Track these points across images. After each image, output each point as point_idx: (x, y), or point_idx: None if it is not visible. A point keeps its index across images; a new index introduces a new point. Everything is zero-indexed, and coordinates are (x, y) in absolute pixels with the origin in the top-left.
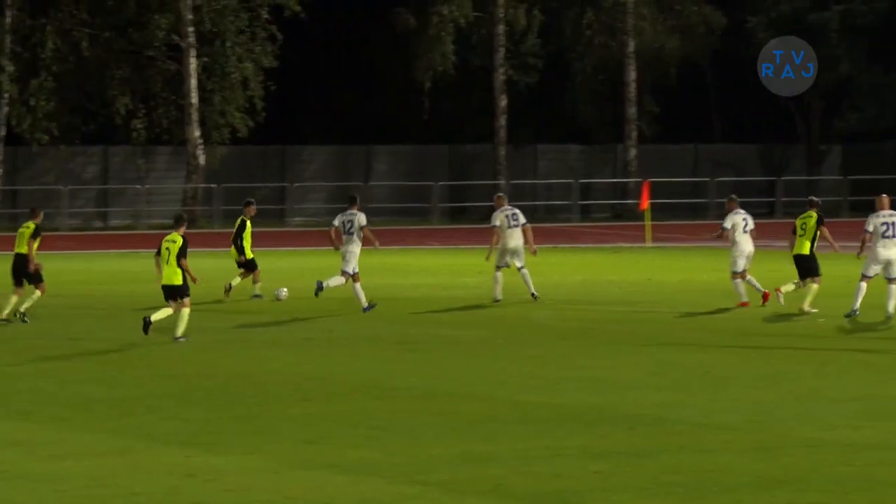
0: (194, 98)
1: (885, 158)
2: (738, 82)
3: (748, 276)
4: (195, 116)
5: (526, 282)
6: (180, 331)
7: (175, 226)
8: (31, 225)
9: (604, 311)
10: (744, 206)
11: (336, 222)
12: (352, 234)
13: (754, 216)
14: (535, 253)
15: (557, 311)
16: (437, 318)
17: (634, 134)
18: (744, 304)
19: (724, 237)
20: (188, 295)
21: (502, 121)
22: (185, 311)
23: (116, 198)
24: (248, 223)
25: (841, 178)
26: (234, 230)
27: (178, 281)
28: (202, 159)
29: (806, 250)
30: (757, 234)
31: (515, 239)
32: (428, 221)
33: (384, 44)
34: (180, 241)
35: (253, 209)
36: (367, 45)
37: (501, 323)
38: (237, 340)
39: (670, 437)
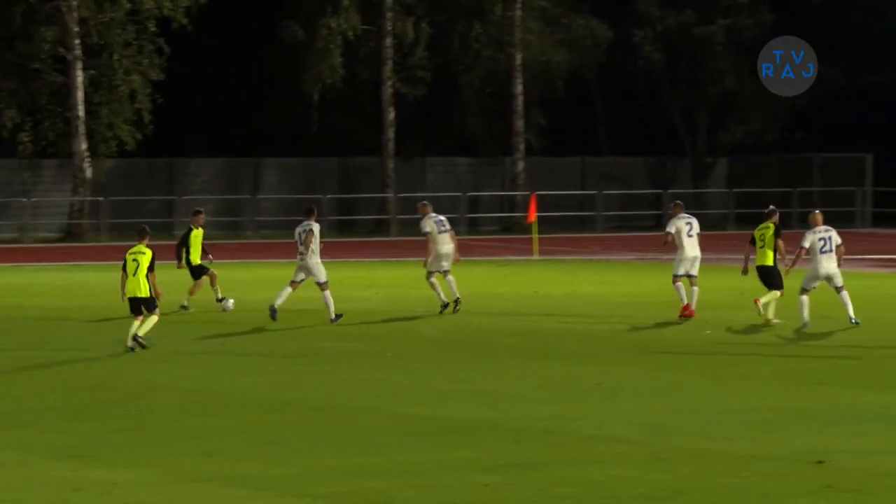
0: (81, 111)
1: (769, 171)
2: (624, 95)
3: (694, 287)
4: (82, 129)
5: (451, 288)
6: (143, 331)
7: (139, 238)
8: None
9: (491, 323)
10: (630, 219)
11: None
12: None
13: (641, 229)
14: (458, 260)
15: (446, 324)
16: (327, 331)
17: (522, 147)
18: (687, 312)
19: (670, 242)
20: (156, 307)
21: (390, 133)
22: (154, 317)
23: (2, 211)
24: (196, 231)
25: (727, 190)
26: (180, 238)
27: (145, 293)
28: (89, 172)
29: (769, 261)
30: (645, 247)
31: (447, 244)
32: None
33: (272, 56)
34: (149, 253)
35: (202, 218)
36: (255, 58)
37: (391, 336)
38: (132, 354)
39: (560, 449)
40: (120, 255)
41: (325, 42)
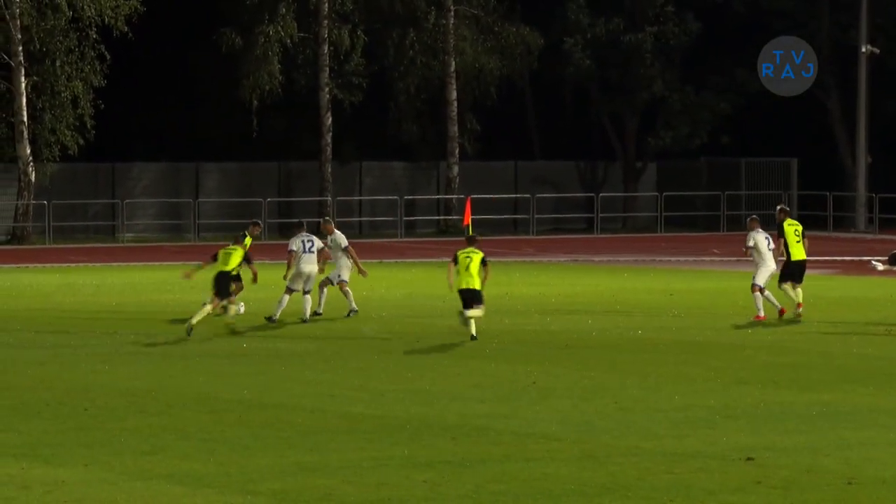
0: (25, 116)
1: (698, 175)
2: (556, 101)
3: (766, 292)
4: (26, 134)
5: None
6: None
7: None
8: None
9: (428, 324)
10: (563, 222)
11: (293, 247)
12: (312, 252)
13: (573, 231)
14: (364, 274)
15: (383, 325)
16: (267, 331)
17: (457, 151)
18: (759, 318)
19: (747, 254)
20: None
21: (328, 138)
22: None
23: None
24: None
25: (656, 194)
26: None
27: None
28: (33, 176)
29: (804, 255)
30: (577, 250)
31: (311, 264)
32: (256, 237)
33: (211, 63)
34: (480, 255)
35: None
36: (194, 65)
37: (329, 336)
38: (72, 354)
39: (495, 446)
40: (63, 257)
41: (263, 49)
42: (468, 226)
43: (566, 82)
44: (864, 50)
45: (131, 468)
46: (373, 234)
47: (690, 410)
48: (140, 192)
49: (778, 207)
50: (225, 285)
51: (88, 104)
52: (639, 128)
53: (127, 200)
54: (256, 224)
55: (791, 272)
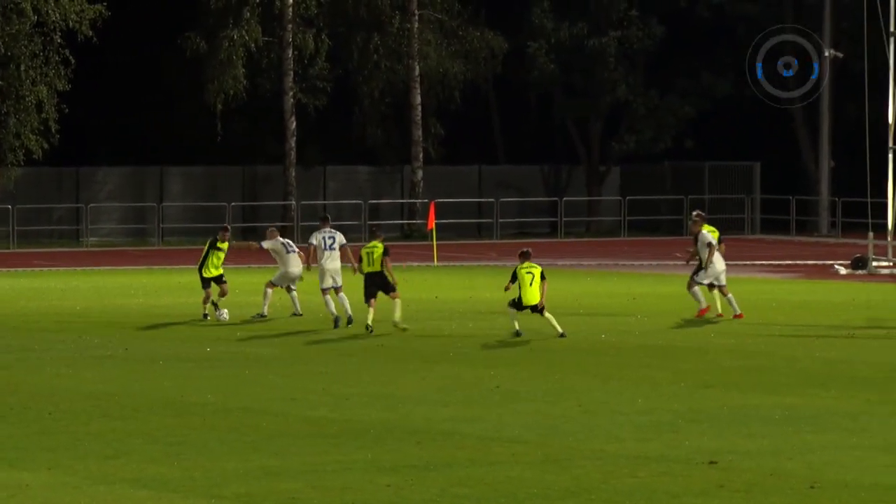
0: None
1: (661, 179)
2: (520, 105)
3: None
4: None
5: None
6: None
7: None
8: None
9: (392, 328)
10: (527, 226)
11: (314, 241)
12: (333, 249)
13: (537, 236)
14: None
15: (349, 329)
16: (232, 335)
17: (421, 155)
18: (703, 312)
19: (711, 252)
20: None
21: (292, 143)
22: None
23: None
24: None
25: (620, 198)
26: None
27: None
28: None
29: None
30: (541, 254)
31: (334, 261)
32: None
33: (176, 67)
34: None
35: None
36: (159, 69)
37: (293, 341)
38: (37, 358)
39: (459, 450)
40: (28, 262)
41: (228, 53)
42: (432, 230)
43: (530, 87)
44: (827, 54)
45: (95, 472)
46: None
47: (654, 414)
48: (104, 196)
49: (694, 213)
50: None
51: (53, 108)
52: (603, 132)
53: (91, 205)
54: (225, 229)
55: (708, 276)
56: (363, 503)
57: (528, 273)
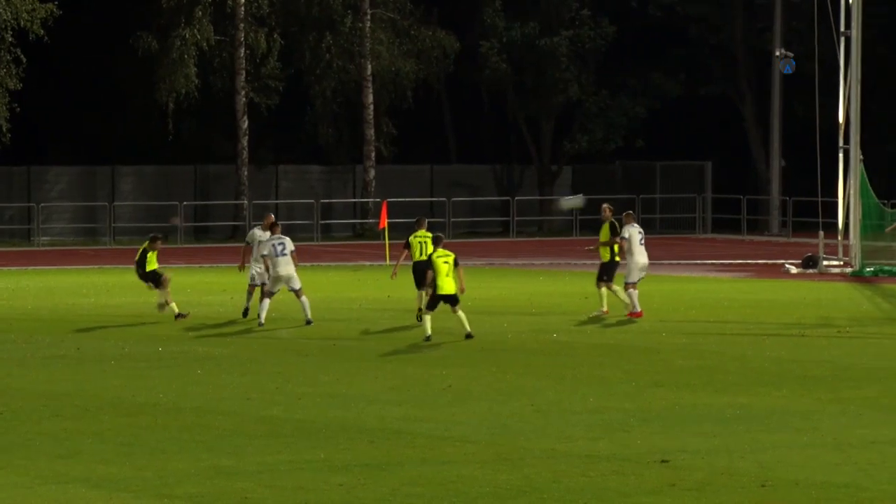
0: None
1: (613, 178)
2: (472, 105)
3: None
4: None
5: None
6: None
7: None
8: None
9: (345, 328)
10: (478, 225)
11: (265, 251)
12: (285, 255)
13: (489, 235)
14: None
15: (299, 329)
16: (184, 334)
17: (373, 155)
18: (636, 315)
19: (622, 247)
20: (458, 301)
21: (244, 142)
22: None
23: None
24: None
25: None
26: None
27: (453, 290)
28: None
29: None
30: (493, 253)
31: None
32: (173, 241)
33: (128, 66)
34: (453, 255)
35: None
36: (111, 68)
37: (246, 340)
38: None
39: (411, 449)
40: None
41: (180, 52)
42: (384, 229)
43: (482, 86)
44: (777, 54)
45: (46, 472)
46: (289, 237)
47: (605, 413)
48: (56, 195)
49: (625, 213)
50: None
51: (4, 107)
52: (554, 131)
53: (42, 204)
54: (157, 238)
55: (634, 273)
56: (316, 502)
57: (444, 262)
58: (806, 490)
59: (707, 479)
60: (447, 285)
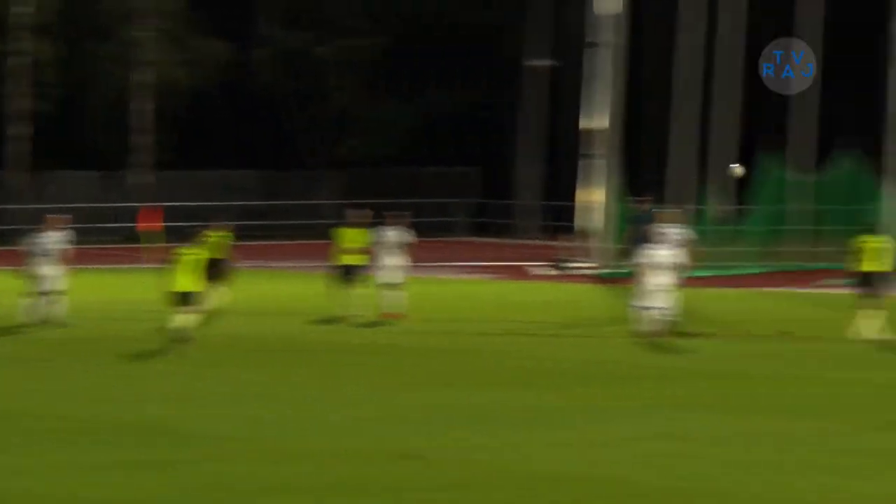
0: None
1: (384, 183)
2: (247, 111)
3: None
4: None
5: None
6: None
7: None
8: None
9: (112, 327)
10: (249, 230)
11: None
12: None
13: (253, 238)
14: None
15: (80, 331)
16: None
17: (148, 161)
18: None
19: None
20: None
21: (18, 147)
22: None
23: None
24: None
25: (343, 201)
26: None
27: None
28: None
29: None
30: (259, 255)
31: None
32: None
33: None
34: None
35: None
36: None
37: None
38: None
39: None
40: None
41: None
42: (152, 232)
43: (257, 93)
44: (532, 64)
45: None
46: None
47: (362, 409)
48: None
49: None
50: None
51: None
52: (327, 138)
53: None
54: None
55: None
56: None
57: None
58: (567, 485)
59: (467, 476)
60: (187, 282)
